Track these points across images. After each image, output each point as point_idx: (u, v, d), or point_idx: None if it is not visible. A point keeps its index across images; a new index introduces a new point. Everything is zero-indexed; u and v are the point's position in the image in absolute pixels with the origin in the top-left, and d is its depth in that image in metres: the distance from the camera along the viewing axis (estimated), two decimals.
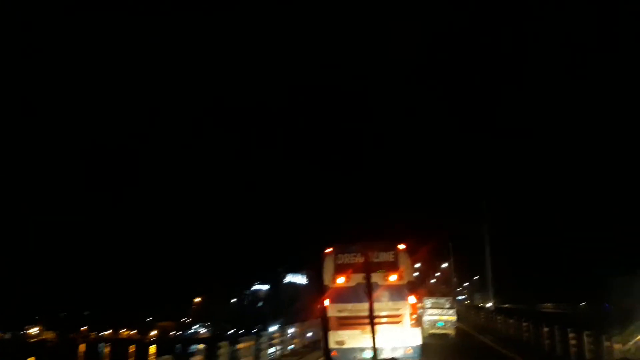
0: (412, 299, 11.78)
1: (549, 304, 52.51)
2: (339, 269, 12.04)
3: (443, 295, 28.37)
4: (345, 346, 11.69)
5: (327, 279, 12.14)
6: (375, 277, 11.70)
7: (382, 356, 11.19)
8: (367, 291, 11.28)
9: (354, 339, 11.59)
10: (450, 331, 23.73)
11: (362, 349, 11.38)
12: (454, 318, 24.30)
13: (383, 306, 11.63)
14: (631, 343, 11.95)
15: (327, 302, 12.02)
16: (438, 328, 23.72)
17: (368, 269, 11.65)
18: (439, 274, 68.63)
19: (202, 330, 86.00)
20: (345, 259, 12.10)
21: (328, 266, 12.17)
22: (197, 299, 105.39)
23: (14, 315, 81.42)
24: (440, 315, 24.03)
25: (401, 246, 12.07)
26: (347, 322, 11.72)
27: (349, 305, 11.73)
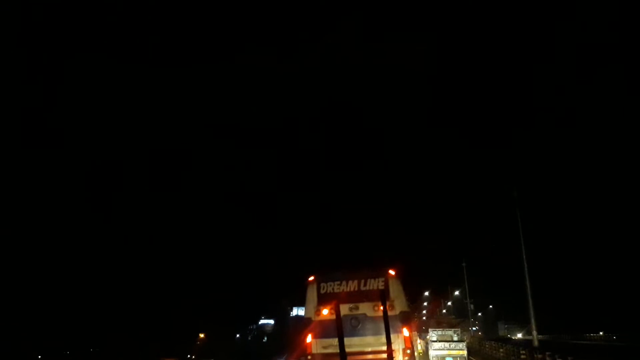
0: (405, 331, 10.50)
1: (596, 334, 47.57)
2: (323, 299, 10.82)
3: (451, 326, 25.77)
4: None
5: (309, 311, 10.92)
6: (363, 308, 10.52)
7: None
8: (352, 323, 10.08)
9: None
10: None
11: None
12: (464, 352, 21.87)
13: (372, 341, 10.37)
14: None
15: (309, 338, 10.77)
16: None
17: (355, 298, 10.49)
18: (450, 302, 65.69)
19: None
20: (330, 287, 10.91)
21: (311, 296, 10.98)
22: (201, 335, 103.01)
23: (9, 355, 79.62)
24: (449, 350, 21.63)
25: (391, 272, 10.86)
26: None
27: (335, 341, 10.43)
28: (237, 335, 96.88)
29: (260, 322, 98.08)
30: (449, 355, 21.50)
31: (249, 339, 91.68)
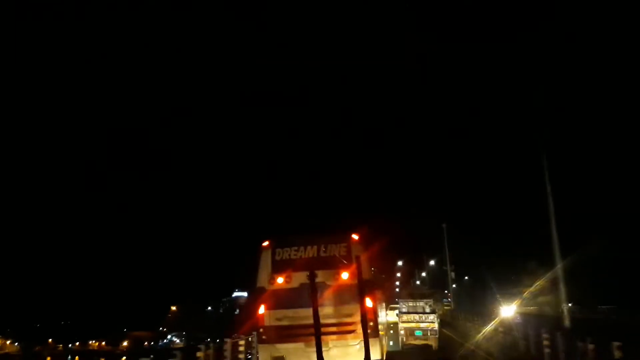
0: (368, 302, 9.51)
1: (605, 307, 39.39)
2: (278, 267, 9.77)
3: (423, 297, 23.45)
4: None
5: (263, 280, 9.87)
6: (323, 276, 9.48)
7: None
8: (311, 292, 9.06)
9: (296, 354, 9.30)
10: (431, 342, 19.77)
11: None
12: (434, 325, 20.18)
13: (332, 312, 9.40)
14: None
15: (262, 309, 9.73)
16: (416, 338, 19.95)
17: (313, 264, 9.45)
18: (424, 274, 63.03)
19: (177, 340, 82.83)
20: (286, 254, 9.86)
21: (264, 263, 9.91)
22: (173, 308, 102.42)
23: None
24: (418, 322, 20.12)
25: (354, 236, 9.83)
26: (287, 333, 9.44)
27: (290, 312, 9.46)
28: (209, 308, 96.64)
29: (233, 295, 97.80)
30: (418, 329, 20.05)
31: (221, 311, 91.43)
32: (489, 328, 18.02)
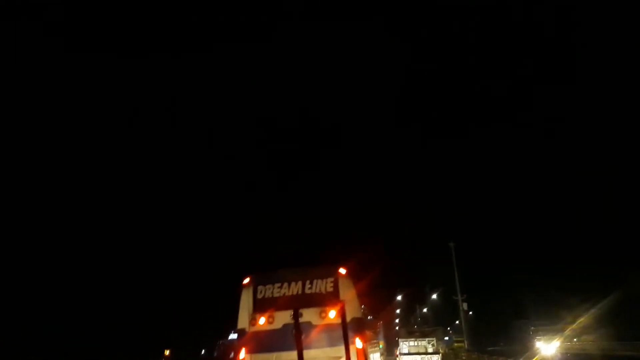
0: (358, 342, 8.86)
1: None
2: (260, 306, 9.13)
3: (424, 335, 22.26)
4: None
5: (243, 321, 9.21)
6: (308, 315, 8.85)
7: None
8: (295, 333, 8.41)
9: None
10: None
11: None
12: None
13: (319, 354, 8.71)
14: None
15: (242, 354, 9.03)
16: None
17: (298, 302, 8.83)
18: (425, 309, 60.93)
19: None
20: (268, 291, 9.22)
21: (245, 303, 9.28)
22: (167, 352, 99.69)
23: None
24: None
25: (342, 270, 9.23)
26: None
27: (273, 356, 8.77)
28: (203, 352, 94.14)
29: (229, 337, 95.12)
30: None
31: (215, 355, 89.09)
32: None
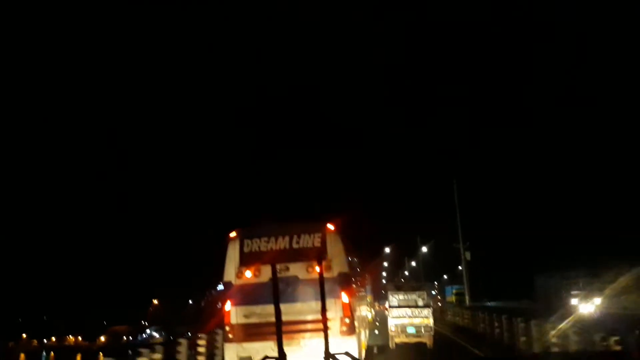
0: (344, 297, 9.01)
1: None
2: (246, 260, 9.20)
3: (414, 289, 21.08)
4: None
5: (229, 274, 9.30)
6: (295, 269, 8.97)
7: None
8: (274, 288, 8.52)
9: (264, 354, 8.73)
10: (426, 339, 18.05)
11: None
12: (429, 321, 18.26)
13: (305, 308, 8.87)
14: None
15: (228, 306, 9.16)
16: (408, 336, 18.06)
17: (285, 257, 8.93)
18: (414, 264, 57.31)
19: (156, 335, 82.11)
20: (255, 245, 9.28)
21: (232, 256, 9.35)
22: (155, 301, 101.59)
23: None
24: (411, 318, 18.20)
25: (330, 226, 9.28)
26: (255, 332, 8.88)
27: (258, 308, 8.90)
28: (190, 302, 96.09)
29: (218, 288, 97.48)
30: (410, 325, 18.17)
31: (202, 305, 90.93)
32: (563, 326, 14.46)
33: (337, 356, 6.96)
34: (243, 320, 9.03)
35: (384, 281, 55.81)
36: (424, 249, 49.02)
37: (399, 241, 56.61)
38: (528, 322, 14.83)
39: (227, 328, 9.11)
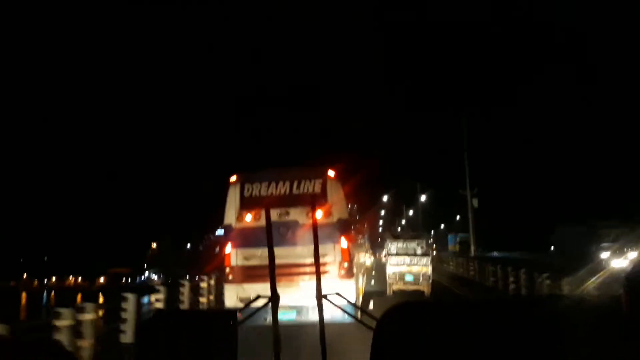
0: (343, 242, 9.20)
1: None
2: (247, 204, 9.31)
3: (413, 238, 20.88)
4: (253, 305, 9.10)
5: (230, 217, 9.43)
6: (295, 214, 9.09)
7: (303, 318, 8.74)
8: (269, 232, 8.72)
9: (263, 295, 9.02)
10: (424, 287, 18.11)
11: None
12: (428, 270, 18.25)
13: (304, 252, 9.03)
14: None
15: (229, 248, 9.36)
16: (406, 283, 18.11)
17: (285, 201, 9.05)
18: (411, 212, 56.26)
19: (155, 277, 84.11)
20: (255, 189, 9.37)
21: (232, 199, 9.45)
22: (154, 245, 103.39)
23: None
24: (410, 266, 18.14)
25: (331, 172, 9.35)
26: (255, 273, 9.09)
27: (259, 251, 9.06)
28: (188, 245, 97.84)
29: (217, 233, 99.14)
30: (409, 273, 18.12)
31: (201, 249, 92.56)
32: (595, 280, 13.84)
33: (329, 297, 7.14)
34: (243, 263, 9.23)
35: (380, 230, 55.93)
36: (423, 198, 47.96)
37: (398, 189, 54.64)
38: (557, 277, 13.37)
39: (228, 270, 9.33)
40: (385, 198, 55.51)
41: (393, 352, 1.06)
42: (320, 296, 1.79)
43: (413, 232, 27.93)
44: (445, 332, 1.06)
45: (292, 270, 8.73)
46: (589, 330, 1.03)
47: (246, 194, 9.36)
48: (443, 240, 53.81)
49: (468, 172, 30.31)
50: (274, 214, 8.98)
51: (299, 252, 9.00)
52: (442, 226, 66.26)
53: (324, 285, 7.45)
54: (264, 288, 8.19)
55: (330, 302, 1.85)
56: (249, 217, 9.24)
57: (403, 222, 59.13)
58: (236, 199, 9.38)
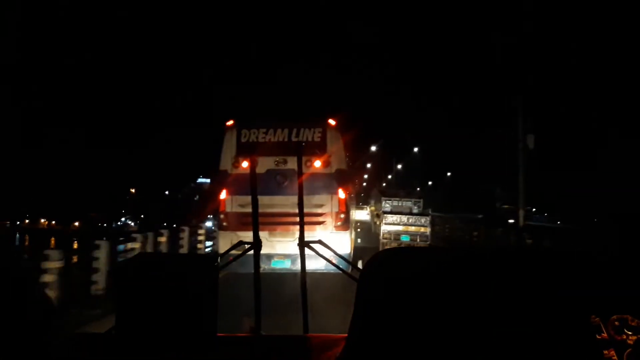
0: (340, 193, 9.24)
1: None
2: (243, 149, 9.23)
3: (409, 195, 19.77)
4: (247, 253, 9.20)
5: (226, 163, 9.35)
6: (293, 162, 9.05)
7: (298, 266, 8.88)
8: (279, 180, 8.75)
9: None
10: None
11: (269, 256, 8.95)
12: (427, 230, 16.98)
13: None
14: None
15: (224, 194, 9.34)
16: (401, 244, 16.69)
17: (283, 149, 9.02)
18: (400, 165, 52.50)
19: (131, 223, 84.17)
20: (253, 135, 9.28)
21: (228, 145, 9.35)
22: (132, 190, 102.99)
23: None
24: (407, 226, 17.06)
25: (331, 121, 9.29)
26: (249, 221, 9.10)
27: None
28: (166, 193, 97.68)
29: (198, 181, 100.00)
30: (405, 233, 17.02)
31: (179, 196, 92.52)
32: None
33: (311, 244, 7.26)
34: (238, 209, 9.22)
35: (364, 184, 54.85)
36: (415, 149, 44.93)
37: (387, 139, 51.86)
38: None
39: (222, 216, 9.34)
40: (373, 148, 51.34)
41: (376, 300, 1.02)
42: (302, 244, 1.83)
43: (403, 189, 27.19)
44: (429, 279, 1.03)
45: (288, 219, 8.77)
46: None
47: (243, 139, 9.27)
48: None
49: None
50: (271, 161, 8.95)
51: (296, 200, 9.03)
52: (430, 183, 64.38)
53: (321, 235, 7.54)
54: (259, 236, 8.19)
55: (314, 250, 1.95)
56: (245, 164, 9.19)
57: (389, 177, 54.74)
58: (232, 144, 9.29)
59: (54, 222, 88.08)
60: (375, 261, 1.08)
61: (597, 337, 0.96)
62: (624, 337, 0.96)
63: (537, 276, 1.03)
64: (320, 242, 2.10)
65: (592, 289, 1.01)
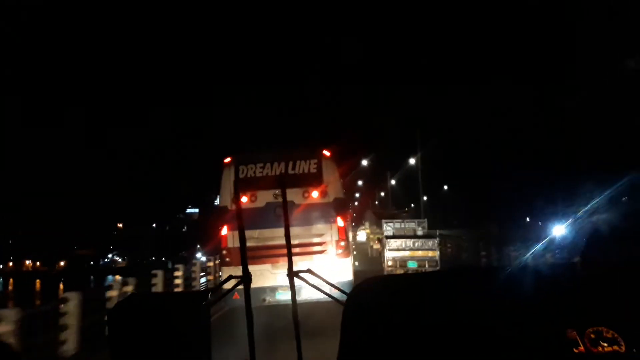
0: (339, 221, 9.62)
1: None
2: (242, 185, 9.59)
3: (391, 217, 19.33)
4: (251, 286, 9.50)
5: (225, 199, 9.71)
6: (291, 195, 9.43)
7: (302, 297, 9.16)
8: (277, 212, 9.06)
9: (261, 276, 9.38)
10: None
11: (273, 289, 9.25)
12: (435, 254, 15.94)
13: (302, 232, 9.44)
14: None
15: (225, 230, 9.66)
16: (408, 270, 15.78)
17: (282, 182, 9.37)
18: (383, 194, 54.11)
19: (119, 260, 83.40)
20: (250, 171, 9.65)
21: (227, 181, 9.71)
22: (120, 225, 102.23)
23: None
24: (413, 250, 15.95)
25: (326, 152, 9.71)
26: (253, 255, 9.43)
27: (255, 233, 9.41)
28: (154, 225, 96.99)
29: (187, 211, 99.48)
30: (412, 259, 15.93)
31: (167, 228, 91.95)
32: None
33: (300, 274, 7.55)
34: (239, 244, 9.54)
35: (356, 203, 55.43)
36: (393, 182, 44.63)
37: (379, 152, 50.44)
38: None
39: (224, 252, 9.64)
40: (364, 163, 51.50)
41: (362, 325, 1.06)
42: (292, 274, 2.00)
43: (397, 209, 26.53)
44: (414, 303, 1.07)
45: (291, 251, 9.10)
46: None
47: (241, 175, 9.63)
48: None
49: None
50: (270, 195, 9.32)
51: (296, 232, 9.38)
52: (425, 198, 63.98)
53: (322, 264, 7.93)
54: (261, 269, 8.69)
55: (304, 280, 2.04)
56: (244, 199, 9.54)
57: (382, 194, 54.65)
58: (231, 180, 9.65)
59: (38, 263, 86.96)
60: (354, 291, 1.14)
61: (575, 350, 1.00)
62: (600, 349, 0.99)
63: (512, 292, 1.06)
64: (309, 271, 2.07)
65: (568, 302, 1.06)
